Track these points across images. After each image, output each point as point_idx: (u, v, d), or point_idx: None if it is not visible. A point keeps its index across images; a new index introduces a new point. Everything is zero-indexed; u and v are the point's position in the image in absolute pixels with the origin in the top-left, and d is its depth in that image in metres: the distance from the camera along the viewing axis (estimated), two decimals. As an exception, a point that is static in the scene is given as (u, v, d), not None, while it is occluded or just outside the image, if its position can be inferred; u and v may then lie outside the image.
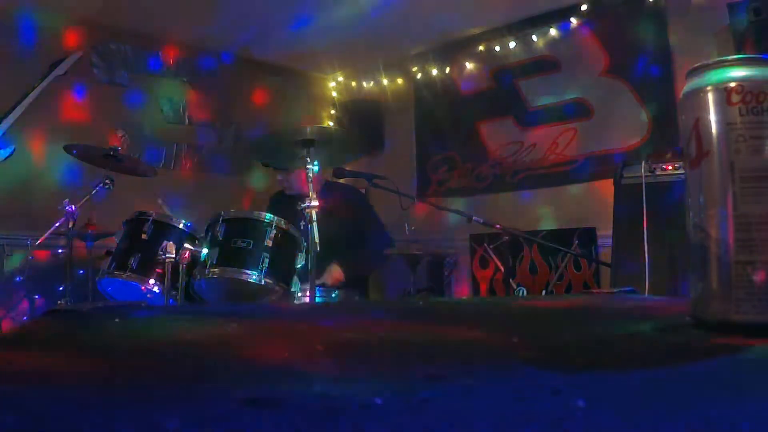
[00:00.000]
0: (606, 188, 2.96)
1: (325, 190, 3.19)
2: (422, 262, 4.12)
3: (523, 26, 4.22)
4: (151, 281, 2.49)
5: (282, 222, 2.52)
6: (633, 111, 3.73)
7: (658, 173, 2.57)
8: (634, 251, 2.52)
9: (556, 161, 4.10)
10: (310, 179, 2.39)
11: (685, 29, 3.52)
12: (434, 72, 4.71)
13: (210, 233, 2.52)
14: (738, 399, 0.34)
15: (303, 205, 2.33)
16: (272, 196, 3.50)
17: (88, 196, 2.87)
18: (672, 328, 0.60)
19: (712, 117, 0.55)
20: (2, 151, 3.03)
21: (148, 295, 2.49)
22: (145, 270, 2.50)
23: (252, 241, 2.44)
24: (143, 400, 0.35)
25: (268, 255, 2.43)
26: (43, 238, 2.88)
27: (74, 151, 3.03)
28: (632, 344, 0.54)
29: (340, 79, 5.36)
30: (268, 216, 2.52)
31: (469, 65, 4.56)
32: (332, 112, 5.36)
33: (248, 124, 4.84)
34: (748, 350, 0.48)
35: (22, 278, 3.52)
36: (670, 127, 3.50)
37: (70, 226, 2.72)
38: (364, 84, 5.17)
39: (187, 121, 4.61)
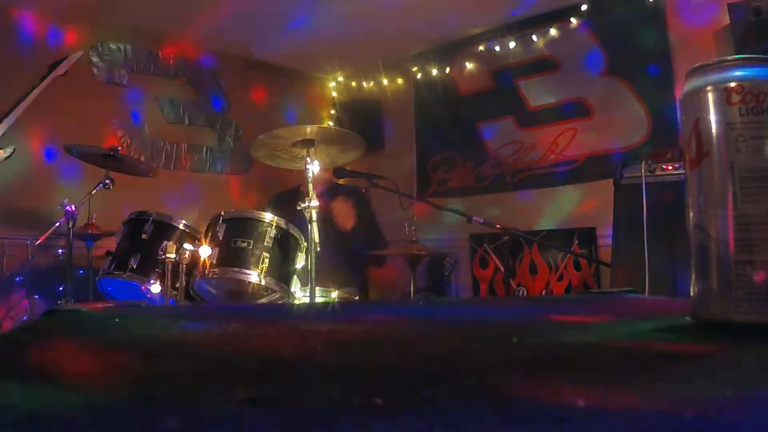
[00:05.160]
0: (606, 188, 2.96)
1: (329, 193, 3.21)
2: (422, 262, 4.12)
3: (523, 26, 4.22)
4: (151, 281, 2.49)
5: (282, 222, 2.53)
6: (633, 111, 3.73)
7: (658, 173, 2.57)
8: (634, 251, 2.52)
9: (556, 161, 4.09)
10: (310, 179, 2.39)
11: (685, 29, 3.52)
12: (434, 72, 4.71)
13: (210, 233, 2.52)
14: (738, 399, 0.34)
15: (303, 205, 2.34)
16: (276, 195, 3.51)
17: (88, 196, 2.87)
18: (672, 328, 0.60)
19: (712, 117, 0.55)
20: (2, 151, 3.03)
21: (148, 295, 2.49)
22: (145, 270, 2.50)
23: (252, 241, 2.44)
24: (143, 400, 0.35)
25: (268, 255, 2.43)
26: (43, 238, 2.88)
27: (74, 151, 3.04)
28: (632, 344, 0.54)
29: (340, 79, 5.36)
30: (269, 216, 2.52)
31: (469, 65, 4.56)
32: (332, 112, 5.36)
33: (248, 124, 4.84)
34: (748, 350, 0.48)
35: (22, 278, 3.52)
36: (670, 127, 3.50)
37: (70, 226, 2.73)
38: (364, 84, 5.17)
39: (187, 121, 4.61)
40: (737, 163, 0.53)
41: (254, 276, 2.40)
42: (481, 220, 3.35)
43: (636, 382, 0.39)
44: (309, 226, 2.33)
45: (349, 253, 3.12)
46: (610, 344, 0.55)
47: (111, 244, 2.83)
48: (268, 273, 2.41)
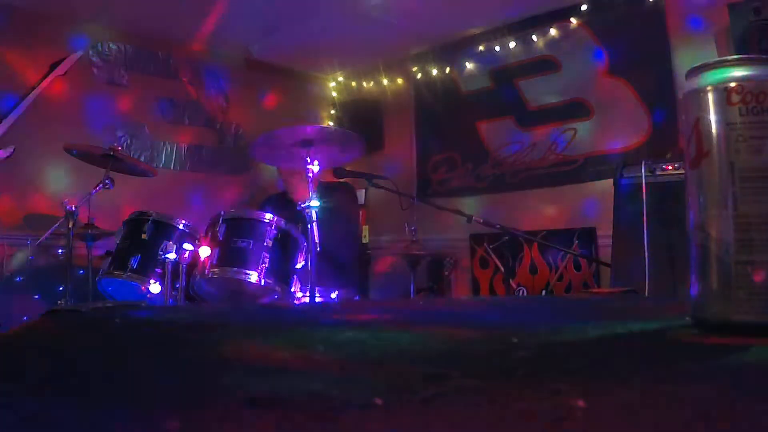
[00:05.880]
0: (606, 188, 2.96)
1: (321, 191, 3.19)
2: (422, 262, 4.12)
3: (523, 26, 4.22)
4: (151, 281, 2.49)
5: (282, 222, 2.53)
6: (633, 111, 3.73)
7: (658, 173, 2.57)
8: (634, 251, 2.51)
9: (556, 161, 4.09)
10: (310, 179, 2.39)
11: (685, 29, 3.52)
12: (434, 72, 4.71)
13: (210, 233, 2.52)
14: (738, 399, 0.34)
15: (303, 205, 2.34)
16: (266, 200, 3.50)
17: (88, 196, 2.87)
18: (672, 328, 0.60)
19: (712, 117, 0.55)
20: (2, 151, 3.03)
21: (148, 295, 2.49)
22: (145, 270, 2.50)
23: (252, 241, 2.44)
24: (143, 400, 0.35)
25: (268, 255, 2.43)
26: (43, 238, 2.88)
27: (74, 151, 3.03)
28: (632, 344, 0.54)
29: (340, 79, 5.36)
30: (269, 216, 2.52)
31: (469, 65, 4.56)
32: (332, 112, 5.36)
33: (248, 124, 4.84)
34: (748, 350, 0.48)
35: (22, 278, 3.52)
36: (670, 127, 3.50)
37: (70, 226, 2.72)
38: (364, 84, 5.17)
39: (187, 121, 4.61)
40: (737, 163, 0.53)
41: (254, 276, 2.40)
42: (481, 220, 3.35)
43: (636, 382, 0.39)
44: (309, 226, 2.33)
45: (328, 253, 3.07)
46: (609, 344, 0.55)
47: (111, 244, 2.83)
48: (268, 273, 2.41)
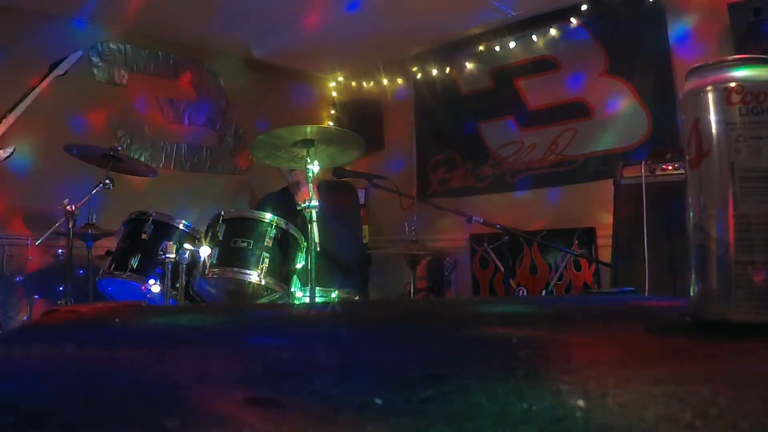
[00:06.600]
0: (606, 188, 2.96)
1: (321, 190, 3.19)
2: (422, 262, 4.12)
3: (523, 26, 4.22)
4: (151, 281, 2.49)
5: (282, 222, 2.53)
6: (633, 111, 3.74)
7: (658, 173, 2.57)
8: (634, 251, 2.52)
9: (556, 161, 4.10)
10: (310, 179, 2.39)
11: (685, 29, 3.52)
12: (434, 72, 4.71)
13: (210, 233, 2.52)
14: (738, 399, 0.34)
15: (303, 205, 2.34)
16: (265, 197, 3.50)
17: (88, 196, 2.87)
18: (672, 328, 0.60)
19: (712, 117, 0.55)
20: (2, 151, 3.03)
21: (148, 295, 2.49)
22: (145, 270, 2.50)
23: (252, 241, 2.45)
24: (143, 400, 0.35)
25: (268, 255, 2.43)
26: (43, 238, 2.88)
27: (74, 151, 3.04)
28: (632, 344, 0.54)
29: (340, 79, 5.37)
30: (269, 216, 2.52)
31: (469, 65, 4.56)
32: (332, 112, 5.36)
33: (248, 124, 4.84)
34: (748, 350, 0.48)
35: (22, 278, 3.52)
36: (670, 127, 3.50)
37: (70, 226, 2.72)
38: (364, 84, 5.17)
39: (187, 121, 4.61)
40: (737, 163, 0.53)
41: (254, 276, 2.40)
42: (481, 220, 3.35)
43: (636, 382, 0.39)
44: (309, 226, 2.33)
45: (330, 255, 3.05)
46: (609, 344, 0.55)
47: (111, 244, 2.84)
48: (268, 273, 2.42)
